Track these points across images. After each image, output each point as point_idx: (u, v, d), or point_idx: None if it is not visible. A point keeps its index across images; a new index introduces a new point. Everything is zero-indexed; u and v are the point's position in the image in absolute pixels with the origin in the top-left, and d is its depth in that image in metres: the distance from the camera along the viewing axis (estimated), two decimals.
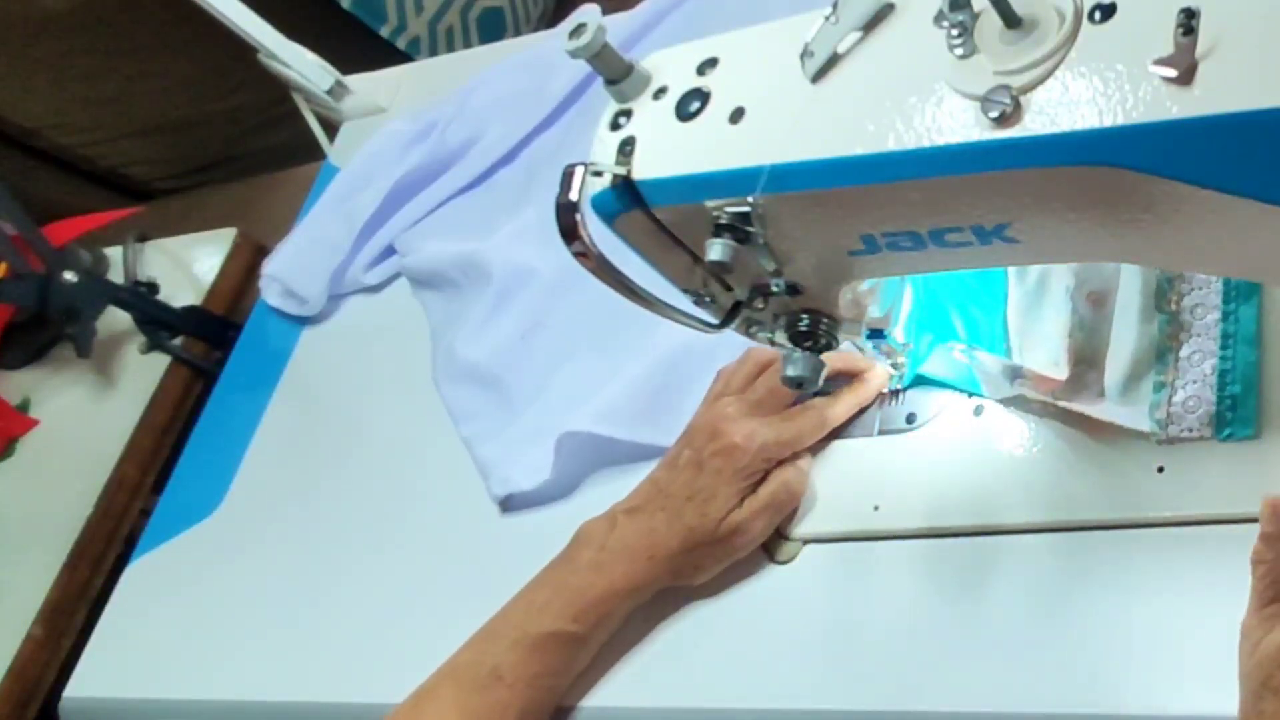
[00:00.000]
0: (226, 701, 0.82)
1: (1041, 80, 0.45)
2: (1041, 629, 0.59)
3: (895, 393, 0.70)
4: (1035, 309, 0.66)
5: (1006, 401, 0.65)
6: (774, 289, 0.57)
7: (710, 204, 0.52)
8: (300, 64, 1.13)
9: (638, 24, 0.99)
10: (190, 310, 1.16)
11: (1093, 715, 0.56)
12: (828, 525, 0.68)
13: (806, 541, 0.68)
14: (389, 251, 1.03)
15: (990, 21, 0.46)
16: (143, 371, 1.14)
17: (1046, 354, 0.65)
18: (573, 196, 0.51)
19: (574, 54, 0.52)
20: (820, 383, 0.62)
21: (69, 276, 1.08)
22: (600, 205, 0.54)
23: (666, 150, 0.53)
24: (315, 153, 1.21)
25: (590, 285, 0.55)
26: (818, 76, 0.50)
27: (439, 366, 0.91)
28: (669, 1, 1.00)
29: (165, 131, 1.85)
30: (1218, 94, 0.41)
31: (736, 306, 0.60)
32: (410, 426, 0.90)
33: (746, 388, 0.70)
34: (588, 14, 0.52)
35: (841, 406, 0.69)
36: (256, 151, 1.86)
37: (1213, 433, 0.59)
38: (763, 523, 0.67)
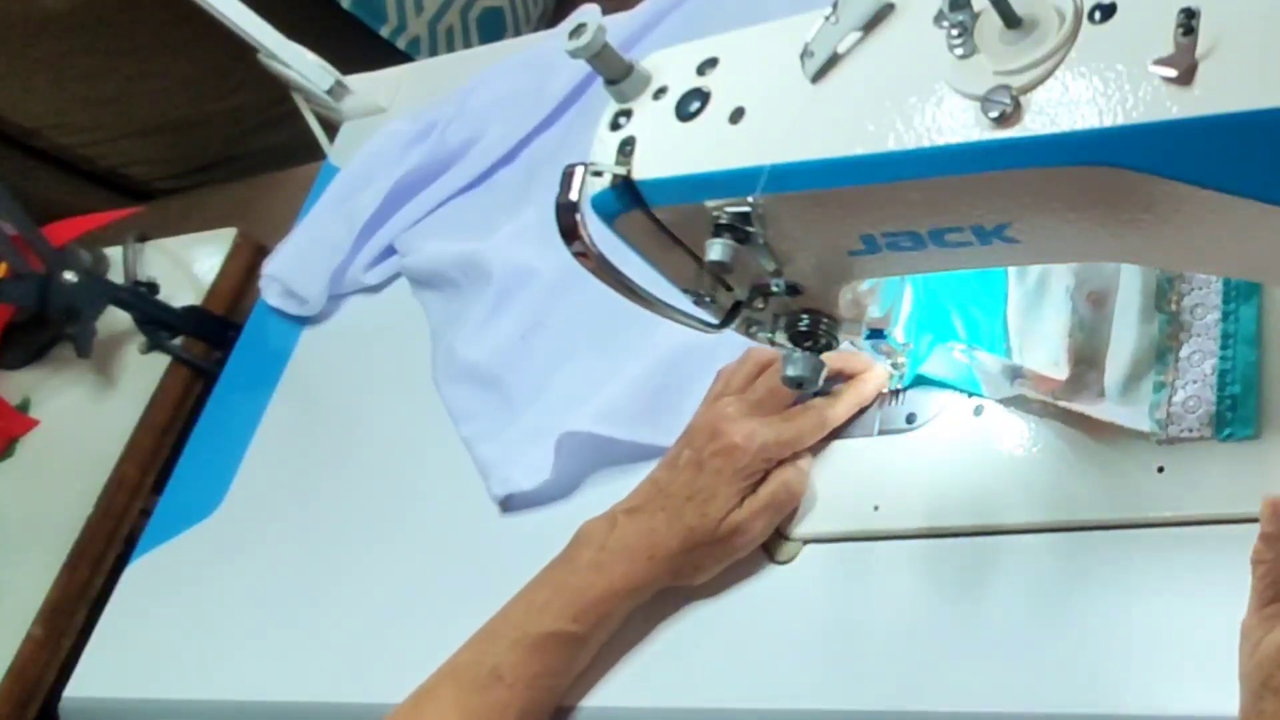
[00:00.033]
0: (226, 701, 0.82)
1: (1041, 80, 0.45)
2: (1041, 629, 0.59)
3: (895, 392, 0.70)
4: (1035, 309, 0.66)
5: (1006, 401, 0.65)
6: (774, 289, 0.57)
7: (710, 204, 0.52)
8: (300, 64, 1.13)
9: (638, 24, 0.99)
10: (190, 310, 1.16)
11: (1093, 715, 0.56)
12: (828, 525, 0.68)
13: (806, 541, 0.68)
14: (389, 251, 1.03)
15: (990, 21, 0.46)
16: (143, 371, 1.14)
17: (1046, 354, 0.65)
18: (573, 196, 0.51)
19: (574, 54, 0.52)
20: (820, 383, 0.62)
21: (69, 276, 1.08)
22: (600, 205, 0.54)
23: (666, 150, 0.53)
24: (315, 153, 1.21)
25: (590, 285, 0.55)
26: (818, 76, 0.50)
27: (439, 366, 0.91)
28: (669, 1, 1.00)
29: (165, 131, 1.85)
30: (1218, 94, 0.41)
31: (736, 306, 0.60)
32: (410, 426, 0.90)
33: (747, 388, 0.70)
34: (588, 14, 0.52)
35: (841, 406, 0.69)
36: (256, 151, 1.86)
37: (1213, 433, 0.59)
38: (763, 523, 0.67)
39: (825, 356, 0.61)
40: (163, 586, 0.92)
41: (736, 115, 0.52)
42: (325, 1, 1.68)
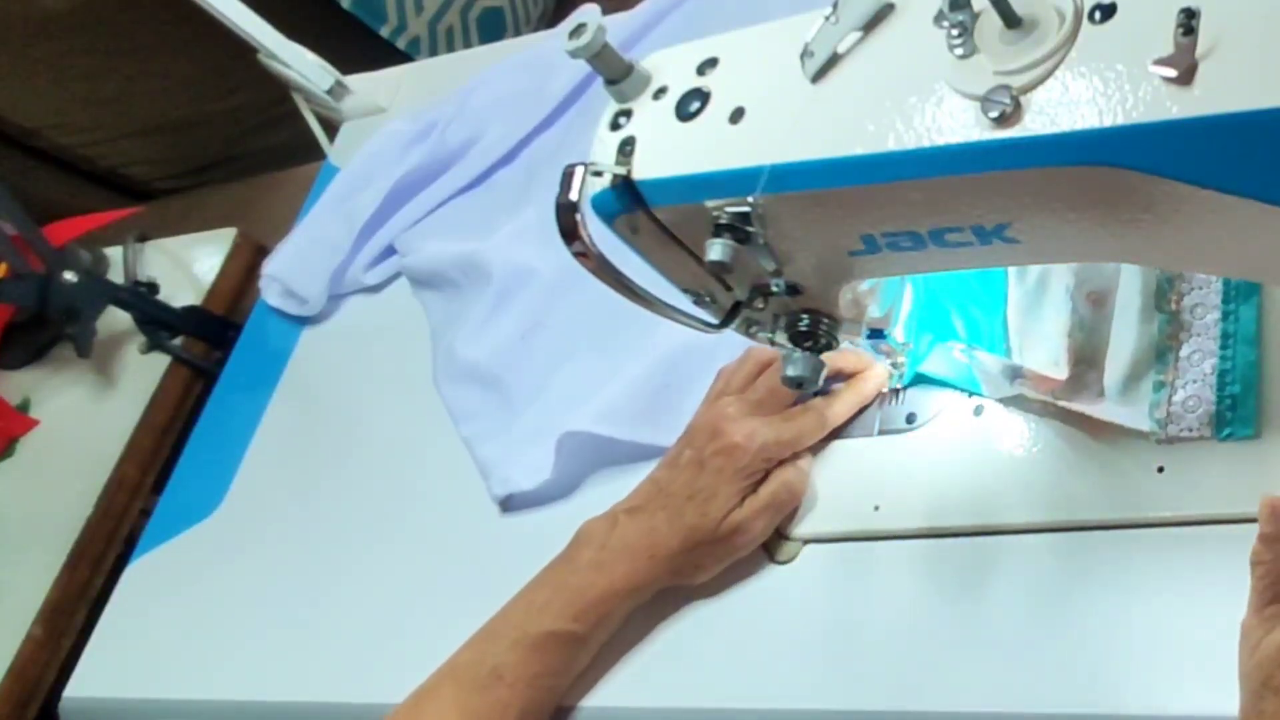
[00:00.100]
0: (226, 701, 0.82)
1: (1041, 80, 0.45)
2: (1041, 629, 0.59)
3: (895, 392, 0.70)
4: (1035, 309, 0.66)
5: (1006, 401, 0.65)
6: (774, 289, 0.57)
7: (710, 204, 0.52)
8: (300, 64, 1.13)
9: (638, 24, 0.99)
10: (190, 310, 1.16)
11: (1093, 715, 0.56)
12: (828, 525, 0.68)
13: (806, 541, 0.68)
14: (389, 251, 1.03)
15: (990, 21, 0.46)
16: (143, 371, 1.14)
17: (1046, 353, 0.65)
18: (573, 196, 0.51)
19: (574, 54, 0.52)
20: (820, 383, 0.62)
21: (69, 276, 1.08)
22: (600, 205, 0.54)
23: (666, 150, 0.53)
24: (315, 153, 1.21)
25: (590, 285, 0.55)
26: (818, 76, 0.50)
27: (439, 366, 0.91)
28: (669, 1, 1.00)
29: (165, 131, 1.85)
30: (1218, 94, 0.41)
31: (736, 306, 0.60)
32: (410, 426, 0.90)
33: (747, 387, 0.70)
34: (588, 14, 0.52)
35: (842, 406, 0.69)
36: (256, 151, 1.86)
37: (1212, 432, 0.59)
38: (763, 522, 0.67)
39: (825, 356, 0.61)
40: (163, 586, 0.92)
41: (736, 115, 0.52)
42: (325, 1, 1.68)
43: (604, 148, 0.54)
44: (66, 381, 1.17)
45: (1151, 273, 0.64)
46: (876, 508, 0.67)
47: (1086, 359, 0.64)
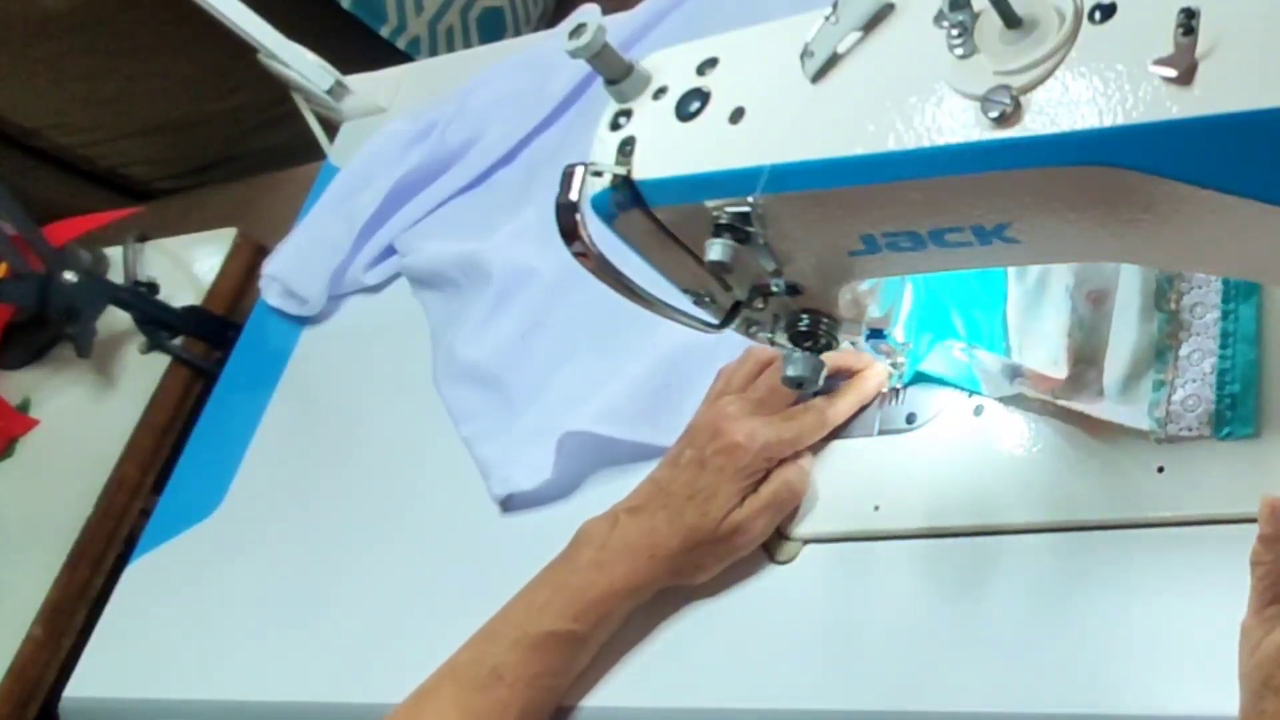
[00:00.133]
0: (226, 701, 0.82)
1: (1041, 80, 0.45)
2: (1041, 629, 0.59)
3: (895, 392, 0.70)
4: (1035, 308, 0.66)
5: (1006, 400, 0.65)
6: (774, 289, 0.57)
7: (710, 204, 0.52)
8: (300, 64, 1.13)
9: (638, 24, 0.99)
10: (190, 310, 1.16)
11: (1093, 715, 0.56)
12: (828, 525, 0.68)
13: (807, 541, 0.68)
14: (389, 251, 1.03)
15: (990, 21, 0.46)
16: (143, 371, 1.14)
17: (1046, 353, 0.65)
18: (573, 196, 0.51)
19: (574, 54, 0.52)
20: (820, 383, 0.62)
21: (69, 276, 1.08)
22: (600, 205, 0.54)
23: (666, 150, 0.53)
24: (315, 153, 1.21)
25: (590, 285, 0.55)
26: (818, 76, 0.50)
27: (439, 366, 0.91)
28: (669, 1, 1.00)
29: (165, 131, 1.85)
30: (1218, 94, 0.41)
31: (736, 306, 0.60)
32: (410, 426, 0.90)
33: (748, 386, 0.70)
34: (588, 14, 0.52)
35: (842, 405, 0.69)
36: (256, 151, 1.86)
37: (1212, 431, 0.59)
38: (764, 521, 0.67)
39: (825, 356, 0.61)
40: (163, 586, 0.92)
41: (736, 115, 0.52)
42: (325, 1, 1.68)
43: (604, 148, 0.54)
44: (66, 381, 1.17)
45: (1151, 272, 0.64)
46: (876, 508, 0.67)
47: (1086, 358, 0.64)
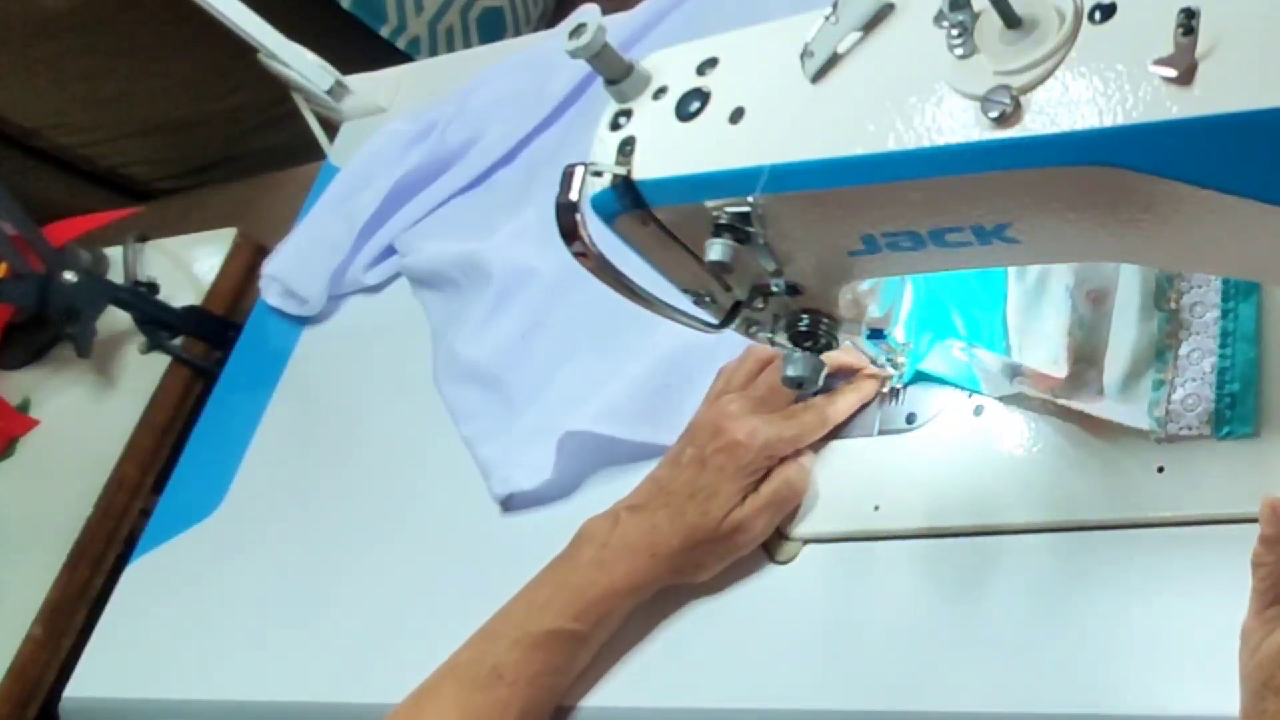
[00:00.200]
0: (226, 701, 0.82)
1: (1041, 80, 0.45)
2: (1041, 629, 0.59)
3: (895, 392, 0.70)
4: (1035, 307, 0.66)
5: (1006, 400, 0.66)
6: (774, 289, 0.57)
7: (710, 204, 0.52)
8: (300, 64, 1.13)
9: (638, 24, 0.99)
10: (190, 310, 1.16)
11: (1093, 715, 0.56)
12: (828, 525, 0.68)
13: (806, 541, 0.68)
14: (389, 251, 1.03)
15: (990, 21, 0.46)
16: (143, 371, 1.14)
17: (1046, 352, 0.65)
18: (573, 196, 0.51)
19: (574, 54, 0.52)
20: (820, 383, 0.62)
21: (69, 276, 1.08)
22: (600, 205, 0.54)
23: (666, 150, 0.53)
24: (315, 153, 1.21)
25: (590, 285, 0.55)
26: (818, 76, 0.50)
27: (439, 366, 0.91)
28: (669, 1, 1.00)
29: (165, 131, 1.85)
30: (1218, 94, 0.41)
31: (736, 306, 0.60)
32: (410, 426, 0.90)
33: (748, 385, 0.70)
34: (588, 14, 0.52)
35: (843, 404, 0.69)
36: (256, 151, 1.86)
37: (1212, 431, 0.59)
38: (765, 520, 0.67)
39: (825, 356, 0.61)
40: (163, 586, 0.92)
41: (736, 115, 0.52)
42: (325, 1, 1.68)
43: (604, 148, 0.54)
44: (66, 381, 1.17)
45: (1151, 271, 0.64)
46: (876, 508, 0.67)
47: (1086, 357, 0.64)
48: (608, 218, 0.55)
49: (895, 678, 0.61)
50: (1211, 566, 0.56)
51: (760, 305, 0.59)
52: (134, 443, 1.09)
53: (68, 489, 1.08)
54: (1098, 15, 0.45)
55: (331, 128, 1.21)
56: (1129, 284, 0.64)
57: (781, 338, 0.61)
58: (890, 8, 0.50)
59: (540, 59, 1.05)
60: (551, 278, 0.88)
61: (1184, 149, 0.43)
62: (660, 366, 0.77)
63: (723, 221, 0.52)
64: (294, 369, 1.02)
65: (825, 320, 0.59)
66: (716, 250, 0.52)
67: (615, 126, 0.55)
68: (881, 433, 0.69)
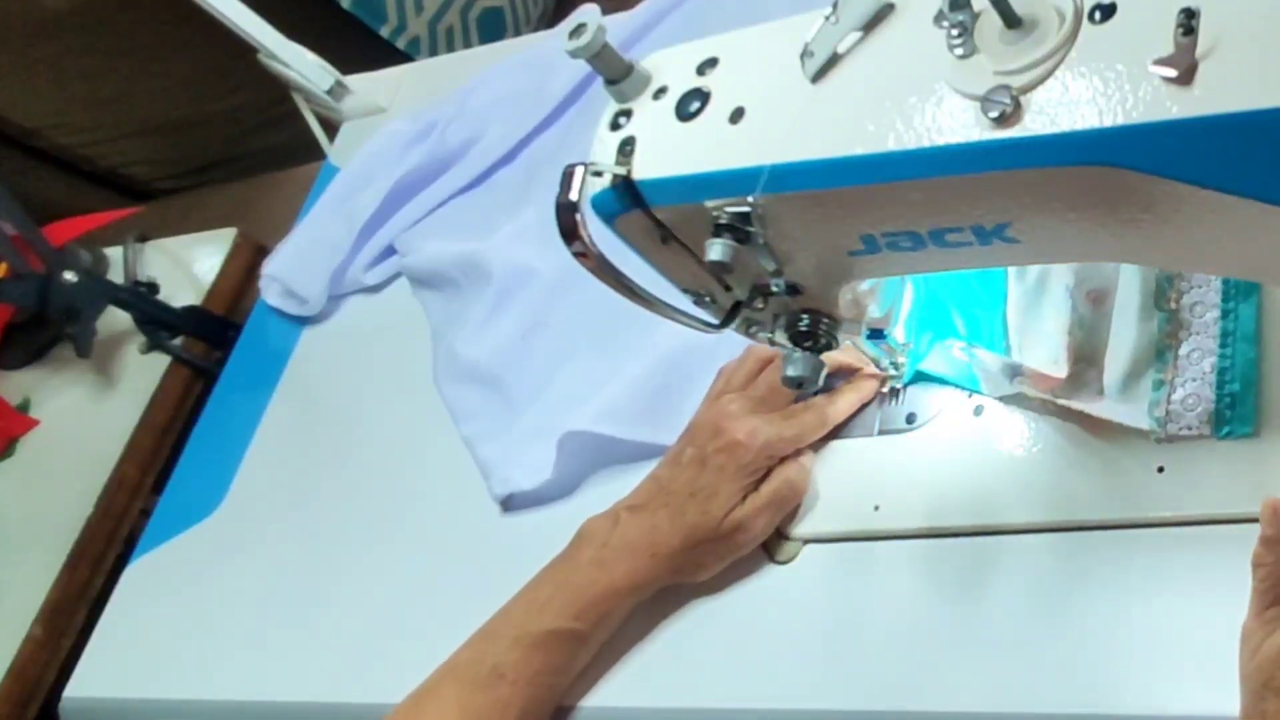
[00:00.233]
0: (226, 701, 0.82)
1: (1041, 80, 0.45)
2: (1041, 629, 0.59)
3: (895, 392, 0.70)
4: (1035, 307, 0.66)
5: (1006, 400, 0.66)
6: (774, 289, 0.57)
7: (710, 204, 0.52)
8: (300, 64, 1.13)
9: (638, 24, 0.99)
10: (190, 310, 1.16)
11: (1093, 715, 0.56)
12: (828, 525, 0.68)
13: (807, 541, 0.68)
14: (389, 251, 1.03)
15: (990, 21, 0.46)
16: (143, 371, 1.14)
17: (1046, 352, 0.65)
18: (573, 196, 0.51)
19: (574, 54, 0.52)
20: (820, 383, 0.62)
21: (69, 276, 1.08)
22: (600, 205, 0.54)
23: (666, 150, 0.53)
24: (315, 153, 1.21)
25: (590, 285, 0.55)
26: (818, 76, 0.50)
27: (439, 366, 0.91)
28: (669, 1, 1.00)
29: (165, 131, 1.85)
30: (1218, 94, 0.41)
31: (736, 306, 0.60)
32: (410, 426, 0.90)
33: (748, 385, 0.70)
34: (588, 14, 0.52)
35: (843, 404, 0.69)
36: (256, 151, 1.86)
37: (1212, 430, 0.59)
38: (765, 519, 0.67)
39: (825, 356, 0.61)
40: (163, 586, 0.92)
41: (736, 115, 0.52)
42: (325, 1, 1.68)
43: (604, 148, 0.54)
44: (66, 381, 1.17)
45: (1151, 271, 0.64)
46: (876, 508, 0.67)
47: (1086, 357, 0.64)
48: (608, 218, 0.55)
49: (895, 678, 0.61)
50: (1211, 566, 0.56)
51: (760, 305, 0.59)
52: (134, 443, 1.09)
53: (68, 489, 1.08)
54: (1098, 15, 0.45)
55: (331, 128, 1.21)
56: (1129, 284, 0.64)
57: (781, 338, 0.61)
58: (890, 8, 0.50)
59: (540, 59, 1.05)
60: (551, 278, 0.88)
61: (1184, 149, 0.43)
62: (660, 366, 0.77)
63: (723, 221, 0.52)
64: (294, 369, 1.02)
65: (825, 320, 0.59)
66: (716, 250, 0.52)
67: (615, 126, 0.55)
68: (881, 433, 0.69)
